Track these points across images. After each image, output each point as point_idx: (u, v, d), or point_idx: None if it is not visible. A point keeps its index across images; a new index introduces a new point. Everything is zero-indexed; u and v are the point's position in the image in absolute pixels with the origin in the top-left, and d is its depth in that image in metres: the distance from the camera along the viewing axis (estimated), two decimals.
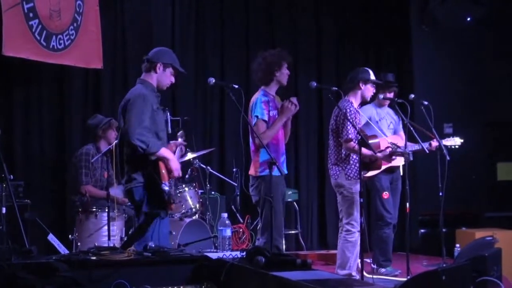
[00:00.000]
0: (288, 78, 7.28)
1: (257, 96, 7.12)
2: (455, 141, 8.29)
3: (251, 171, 7.12)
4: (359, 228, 7.34)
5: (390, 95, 8.55)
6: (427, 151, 8.16)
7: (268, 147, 6.79)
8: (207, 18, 10.79)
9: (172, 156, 6.09)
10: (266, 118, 7.00)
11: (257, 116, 7.02)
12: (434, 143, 8.21)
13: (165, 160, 6.01)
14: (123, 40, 10.05)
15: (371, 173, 8.18)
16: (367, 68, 7.96)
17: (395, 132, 8.61)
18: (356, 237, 7.40)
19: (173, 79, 6.38)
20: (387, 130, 8.48)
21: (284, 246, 6.73)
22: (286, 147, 7.30)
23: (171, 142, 6.44)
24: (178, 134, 6.75)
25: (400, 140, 8.20)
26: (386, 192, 8.37)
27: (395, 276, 8.29)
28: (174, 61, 6.33)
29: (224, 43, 10.89)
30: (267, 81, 7.18)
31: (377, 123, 8.45)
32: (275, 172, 6.71)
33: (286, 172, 7.19)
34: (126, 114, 6.03)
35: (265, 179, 6.88)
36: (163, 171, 5.98)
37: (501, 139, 11.97)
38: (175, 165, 6.06)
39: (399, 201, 8.62)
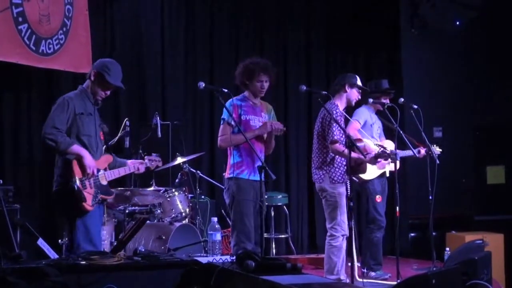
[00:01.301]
0: (267, 91, 7.22)
1: (231, 99, 7.12)
2: (435, 150, 8.25)
3: (226, 174, 7.15)
4: (343, 232, 7.37)
5: (386, 101, 8.57)
6: (418, 156, 8.17)
7: (242, 151, 6.85)
8: (196, 22, 10.78)
9: (86, 154, 6.11)
10: (230, 121, 7.00)
11: (223, 119, 7.08)
12: (423, 151, 8.25)
13: (79, 157, 6.07)
14: (113, 44, 10.04)
15: (367, 177, 8.22)
16: (355, 75, 7.98)
17: (380, 137, 8.63)
18: (340, 241, 7.40)
19: (107, 92, 6.43)
20: (376, 135, 8.51)
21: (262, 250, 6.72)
22: (271, 155, 7.32)
23: (109, 155, 6.53)
24: (147, 157, 6.86)
25: (392, 144, 8.23)
26: (379, 196, 8.39)
27: (385, 279, 8.30)
28: (106, 72, 6.32)
29: (214, 48, 10.89)
30: (243, 87, 7.20)
31: (371, 126, 8.48)
32: (244, 175, 6.80)
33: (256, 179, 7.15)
34: None
35: (235, 181, 6.92)
36: (74, 168, 6.04)
37: (490, 143, 12.00)
38: (89, 162, 6.10)
39: (385, 204, 8.66)
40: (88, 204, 6.07)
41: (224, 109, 7.02)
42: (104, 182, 6.32)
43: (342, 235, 7.38)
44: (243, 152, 6.96)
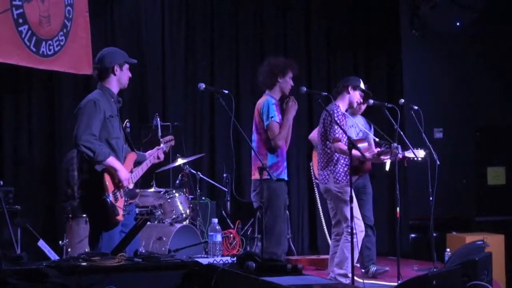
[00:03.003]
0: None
1: (266, 99, 7.13)
2: (418, 153, 8.14)
3: (255, 176, 7.04)
4: (361, 228, 7.35)
5: (363, 106, 8.52)
6: (419, 159, 8.14)
7: (279, 151, 6.82)
8: (197, 25, 10.78)
9: (120, 166, 5.98)
10: (278, 120, 7.03)
11: (272, 117, 7.03)
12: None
13: (112, 170, 5.93)
14: (113, 45, 9.99)
15: None
16: (358, 78, 7.98)
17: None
18: (358, 238, 7.37)
19: (129, 74, 6.33)
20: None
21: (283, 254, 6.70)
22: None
23: (135, 152, 6.38)
24: (162, 139, 6.69)
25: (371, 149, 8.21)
26: None
27: (385, 272, 8.34)
28: (125, 57, 6.29)
29: (214, 49, 10.89)
30: (269, 85, 7.22)
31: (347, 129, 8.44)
32: (283, 176, 6.77)
33: (287, 179, 7.17)
34: (77, 120, 5.96)
35: (273, 183, 6.90)
36: (107, 182, 5.88)
37: (491, 144, 12.00)
38: (124, 175, 5.97)
39: (372, 204, 8.72)
40: (120, 217, 5.96)
41: (269, 108, 7.04)
42: (131, 186, 6.19)
43: (360, 231, 7.35)
44: (278, 152, 6.93)
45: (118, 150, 6.11)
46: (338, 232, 7.60)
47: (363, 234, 7.50)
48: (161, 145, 6.61)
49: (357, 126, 8.43)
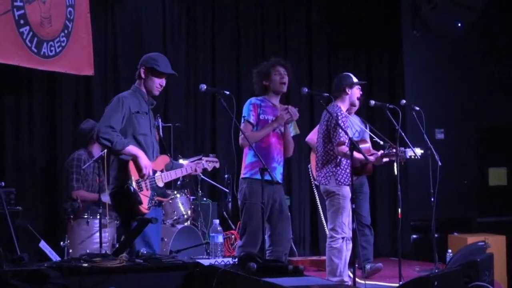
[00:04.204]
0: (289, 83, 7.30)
1: (249, 99, 7.17)
2: (416, 152, 8.12)
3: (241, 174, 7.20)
4: (343, 234, 7.38)
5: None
6: (419, 157, 8.14)
7: (257, 151, 6.80)
8: (198, 25, 10.79)
9: (142, 154, 6.03)
10: (252, 120, 7.05)
11: (244, 116, 7.11)
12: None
13: (134, 158, 5.99)
14: (114, 46, 10.03)
15: None
16: (348, 73, 7.97)
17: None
18: (341, 243, 7.40)
19: (161, 82, 6.36)
20: None
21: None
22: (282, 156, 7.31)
23: (166, 156, 6.46)
24: (204, 157, 6.77)
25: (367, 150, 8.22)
26: None
27: (378, 267, 8.52)
28: (156, 64, 6.29)
29: (215, 50, 10.89)
30: (262, 92, 7.25)
31: None
32: (258, 176, 6.77)
33: (278, 180, 7.14)
34: None
35: (248, 182, 6.98)
36: (131, 169, 5.97)
37: (492, 144, 12.01)
38: (145, 162, 6.02)
39: (368, 204, 8.78)
40: (144, 206, 5.99)
41: (245, 107, 7.12)
42: (161, 184, 6.24)
43: (342, 237, 7.39)
44: (261, 152, 6.96)
45: (147, 146, 6.20)
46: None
47: (345, 242, 7.49)
48: (203, 160, 6.66)
49: (353, 126, 8.43)
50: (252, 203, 6.95)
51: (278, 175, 7.14)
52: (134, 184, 5.95)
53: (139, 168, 6.01)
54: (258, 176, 6.73)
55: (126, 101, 6.13)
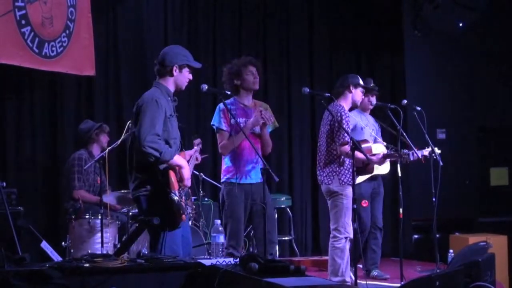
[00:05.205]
0: (261, 82, 7.27)
1: (219, 104, 7.11)
2: (435, 151, 8.09)
3: None
4: (346, 234, 7.38)
5: (373, 99, 8.56)
6: (423, 161, 8.14)
7: (232, 155, 6.92)
8: (199, 25, 10.78)
9: (186, 164, 5.91)
10: (224, 128, 7.03)
11: (213, 125, 7.11)
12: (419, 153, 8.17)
13: (177, 168, 5.85)
14: (116, 47, 10.04)
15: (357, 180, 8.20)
16: (356, 75, 7.98)
17: (375, 140, 8.57)
18: (343, 243, 7.41)
19: (190, 77, 6.18)
20: (369, 138, 8.44)
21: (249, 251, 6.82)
22: (274, 157, 7.33)
23: (185, 152, 6.23)
24: (195, 141, 6.50)
25: (382, 148, 8.22)
26: (365, 200, 8.32)
27: (385, 279, 8.34)
28: (188, 60, 6.12)
29: (216, 51, 10.88)
30: (233, 91, 7.14)
31: (362, 130, 8.43)
32: (234, 180, 6.90)
33: (258, 180, 7.04)
34: (138, 119, 5.83)
35: (225, 185, 7.07)
36: (173, 179, 5.78)
37: (494, 144, 12.00)
38: (187, 173, 5.89)
39: (382, 205, 8.73)
40: (184, 217, 5.84)
41: (214, 116, 7.09)
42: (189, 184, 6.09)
43: (345, 237, 7.39)
44: (233, 157, 6.98)
45: (177, 151, 5.99)
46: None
47: (347, 242, 7.48)
48: (195, 147, 6.43)
49: (369, 125, 8.46)
50: (230, 205, 6.97)
51: (258, 174, 7.03)
52: (177, 194, 5.77)
53: (180, 178, 5.86)
54: (234, 180, 6.91)
55: (163, 104, 5.87)
